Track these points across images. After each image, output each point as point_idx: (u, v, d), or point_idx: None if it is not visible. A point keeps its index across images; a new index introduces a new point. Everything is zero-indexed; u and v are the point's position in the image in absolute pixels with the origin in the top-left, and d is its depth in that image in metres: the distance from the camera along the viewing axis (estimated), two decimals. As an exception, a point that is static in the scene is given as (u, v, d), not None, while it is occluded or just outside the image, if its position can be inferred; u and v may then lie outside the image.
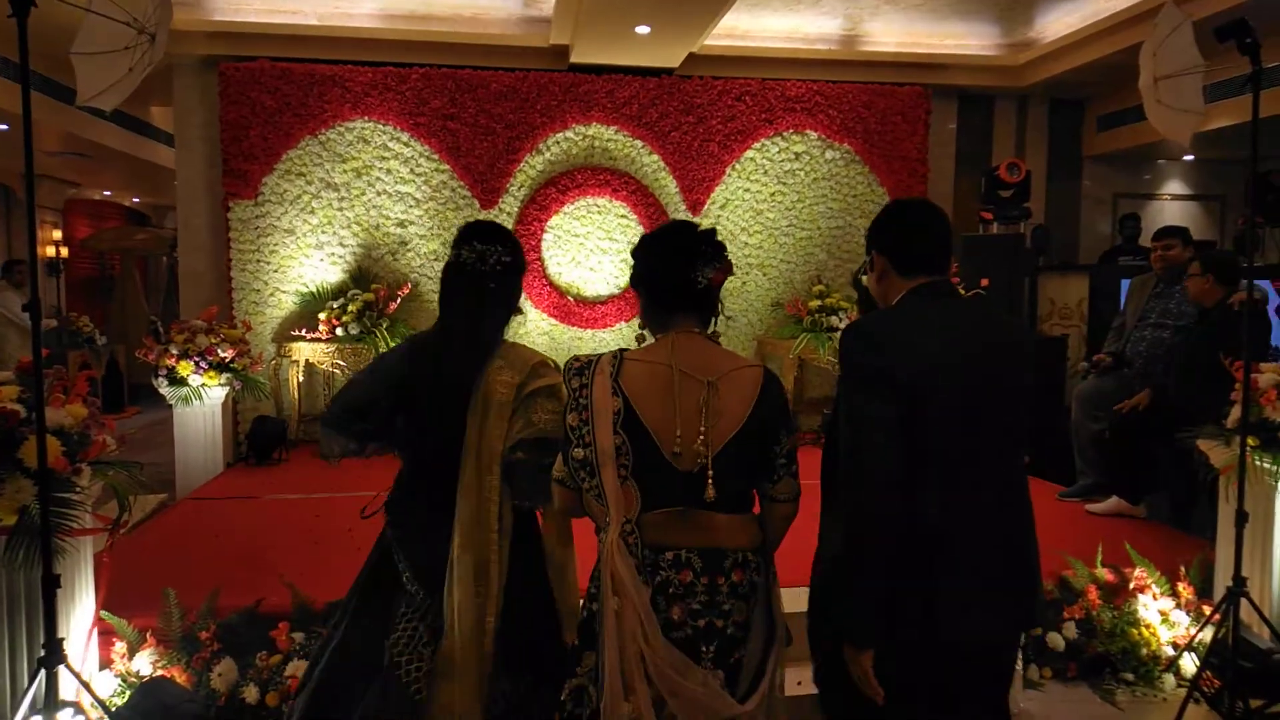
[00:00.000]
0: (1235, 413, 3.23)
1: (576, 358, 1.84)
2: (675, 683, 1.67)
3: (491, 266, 2.17)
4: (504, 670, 2.09)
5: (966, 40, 7.36)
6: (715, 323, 1.87)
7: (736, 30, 6.87)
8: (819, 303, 6.88)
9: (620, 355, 1.81)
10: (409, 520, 2.18)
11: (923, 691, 1.74)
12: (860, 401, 1.70)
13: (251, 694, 2.98)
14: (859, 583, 1.67)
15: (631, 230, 7.06)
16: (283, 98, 6.55)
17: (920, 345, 1.71)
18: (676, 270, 1.81)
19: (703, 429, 1.72)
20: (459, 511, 2.07)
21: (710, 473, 1.72)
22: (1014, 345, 1.83)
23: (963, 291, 5.88)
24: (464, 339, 2.16)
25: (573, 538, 2.15)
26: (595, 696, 1.74)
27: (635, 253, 1.91)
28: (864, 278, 2.12)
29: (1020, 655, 3.24)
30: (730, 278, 1.88)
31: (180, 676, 2.98)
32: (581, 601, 1.90)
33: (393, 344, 6.36)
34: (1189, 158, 8.58)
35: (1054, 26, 7.07)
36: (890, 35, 7.25)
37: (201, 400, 5.51)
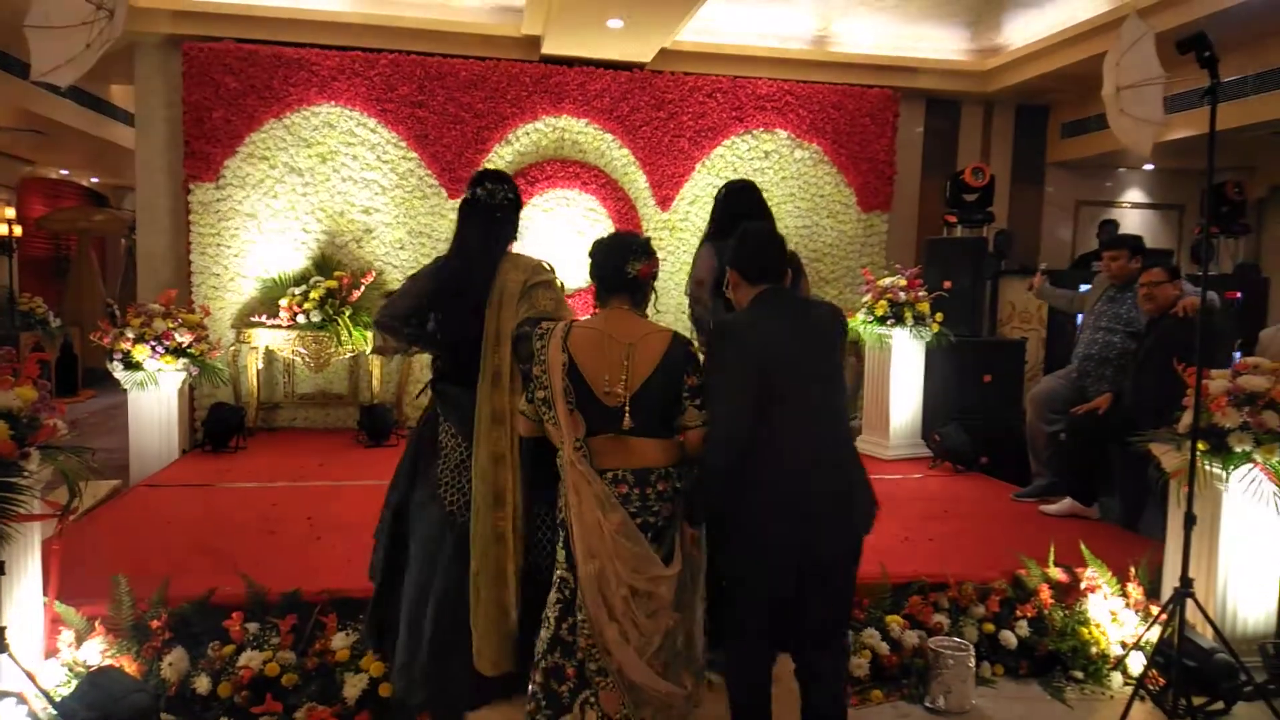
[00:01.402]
0: (1186, 418, 3.30)
1: (540, 325, 2.48)
2: (622, 546, 2.30)
3: (499, 202, 2.83)
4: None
5: (936, 45, 7.44)
6: (647, 304, 2.53)
7: (709, 27, 6.88)
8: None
9: (570, 324, 2.46)
10: (450, 394, 2.81)
11: (770, 575, 2.45)
12: (721, 373, 2.43)
13: (203, 684, 2.94)
14: (706, 491, 2.44)
15: (600, 223, 7.04)
16: (247, 79, 6.44)
17: (763, 332, 2.44)
18: (613, 263, 2.48)
19: (623, 376, 2.38)
20: (480, 379, 2.68)
21: (627, 408, 2.37)
22: (825, 323, 2.58)
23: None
24: (479, 256, 2.79)
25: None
26: (572, 580, 2.37)
27: (590, 251, 2.55)
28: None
29: (973, 652, 3.29)
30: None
31: (129, 666, 2.92)
32: (559, 515, 2.47)
33: (355, 332, 6.31)
34: (1149, 167, 8.74)
35: (1021, 34, 7.17)
36: (861, 37, 7.30)
37: (157, 385, 5.41)
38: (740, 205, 3.49)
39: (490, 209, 2.82)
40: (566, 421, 2.36)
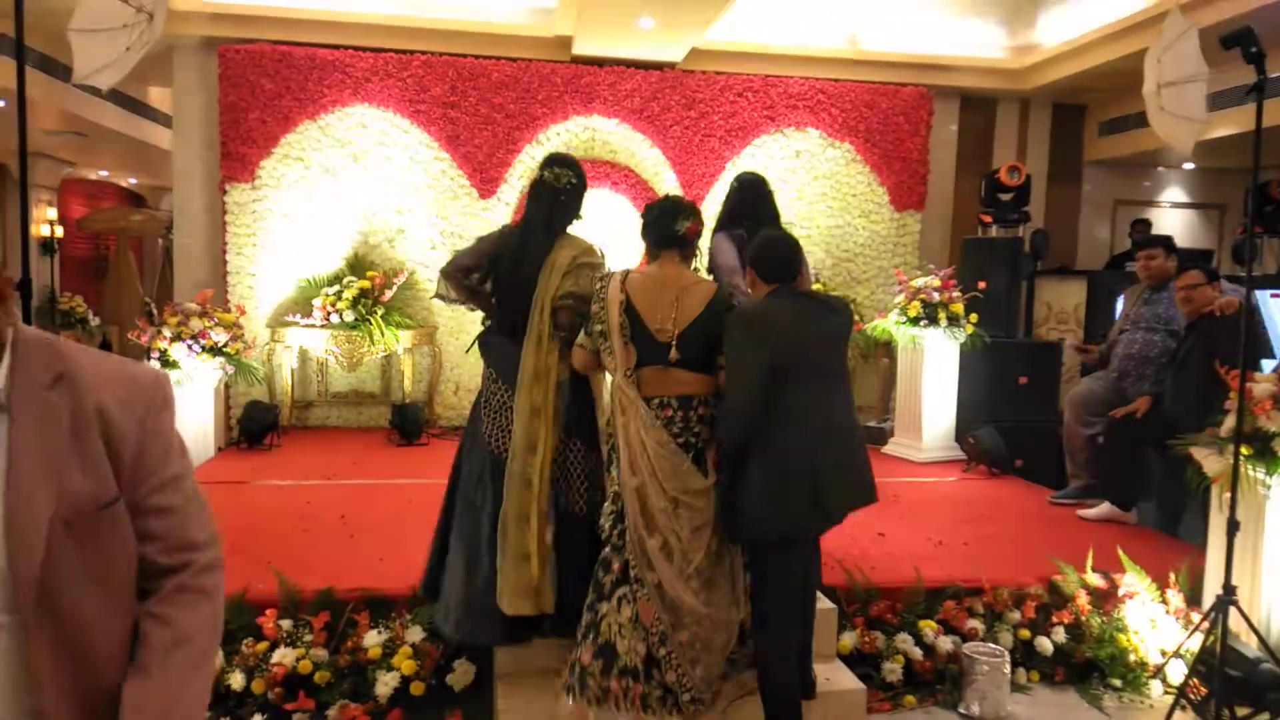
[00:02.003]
0: (1229, 421, 3.23)
1: (600, 272, 2.94)
2: (663, 459, 2.63)
3: (564, 185, 3.11)
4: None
5: (970, 42, 7.35)
6: (693, 259, 2.88)
7: (740, 26, 6.85)
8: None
9: (627, 270, 2.83)
10: (494, 345, 3.14)
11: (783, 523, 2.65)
12: (739, 355, 2.66)
13: (237, 680, 2.97)
14: (725, 449, 2.70)
15: (630, 224, 7.03)
16: (282, 81, 6.51)
17: (776, 323, 2.68)
18: (665, 222, 2.82)
19: (673, 315, 2.71)
20: (526, 339, 2.99)
21: (675, 343, 2.70)
22: (835, 318, 2.84)
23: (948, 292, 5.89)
24: (540, 230, 3.09)
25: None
26: (618, 491, 2.70)
27: (643, 213, 2.91)
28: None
29: (1008, 659, 3.24)
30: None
31: (166, 661, 2.96)
32: (606, 433, 2.86)
33: (387, 332, 6.36)
34: (1189, 166, 8.58)
35: (1058, 31, 7.06)
36: (894, 35, 7.23)
37: (194, 383, 5.48)
38: (750, 197, 3.72)
39: (555, 191, 3.11)
40: (621, 352, 2.73)
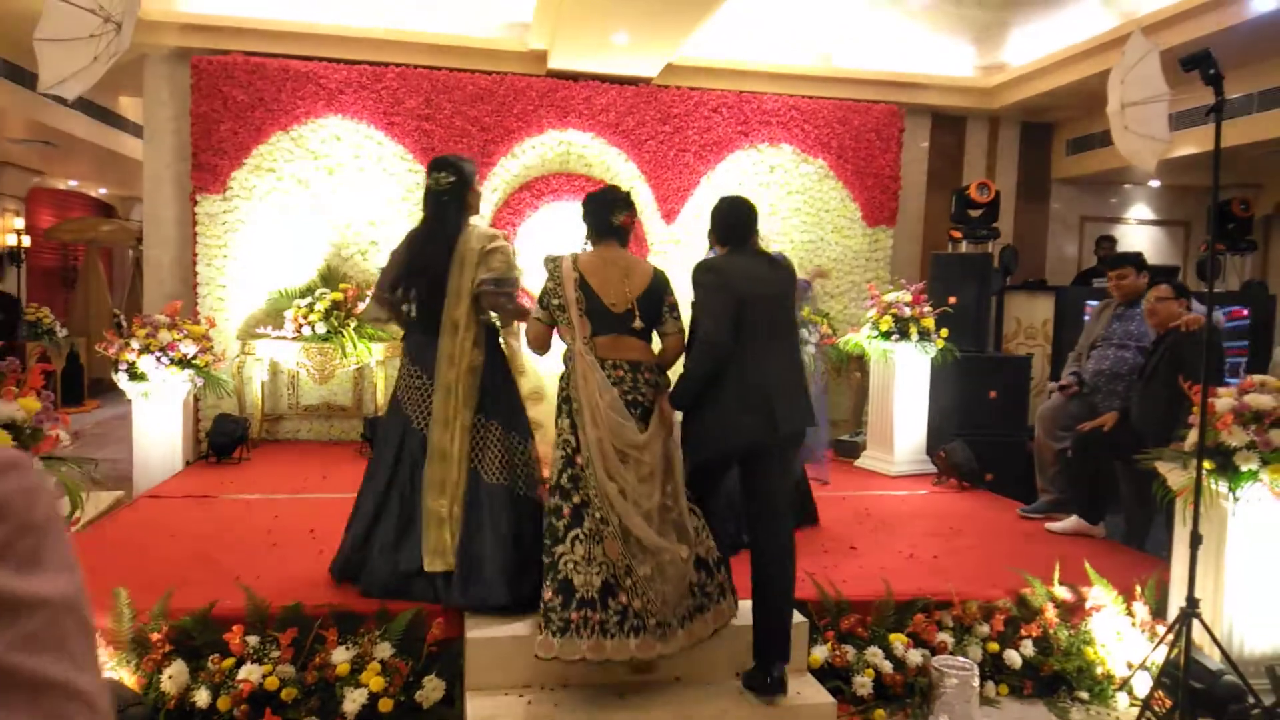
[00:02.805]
0: (1192, 436, 3.29)
1: (548, 257, 3.20)
2: (615, 421, 2.98)
3: (444, 186, 3.43)
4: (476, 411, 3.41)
5: (941, 61, 7.45)
6: (627, 245, 3.28)
7: (714, 43, 6.90)
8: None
9: (575, 254, 3.20)
10: (414, 339, 3.48)
11: (735, 451, 3.13)
12: (708, 296, 3.06)
13: (203, 697, 2.93)
14: (688, 385, 3.09)
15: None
16: (255, 92, 6.48)
17: (736, 269, 3.12)
18: (602, 215, 3.21)
19: (626, 289, 3.12)
20: (441, 330, 3.36)
21: (636, 312, 3.09)
22: (782, 272, 3.30)
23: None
24: (439, 231, 3.44)
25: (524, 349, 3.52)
26: (570, 444, 3.03)
27: (583, 203, 3.28)
28: None
29: (977, 672, 3.26)
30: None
31: (130, 679, 2.92)
32: (557, 391, 3.15)
33: (360, 344, 6.33)
34: (1155, 183, 8.74)
35: (1026, 51, 7.18)
36: (866, 53, 7.32)
37: (162, 396, 5.41)
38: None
39: (438, 194, 3.44)
40: (578, 323, 3.07)
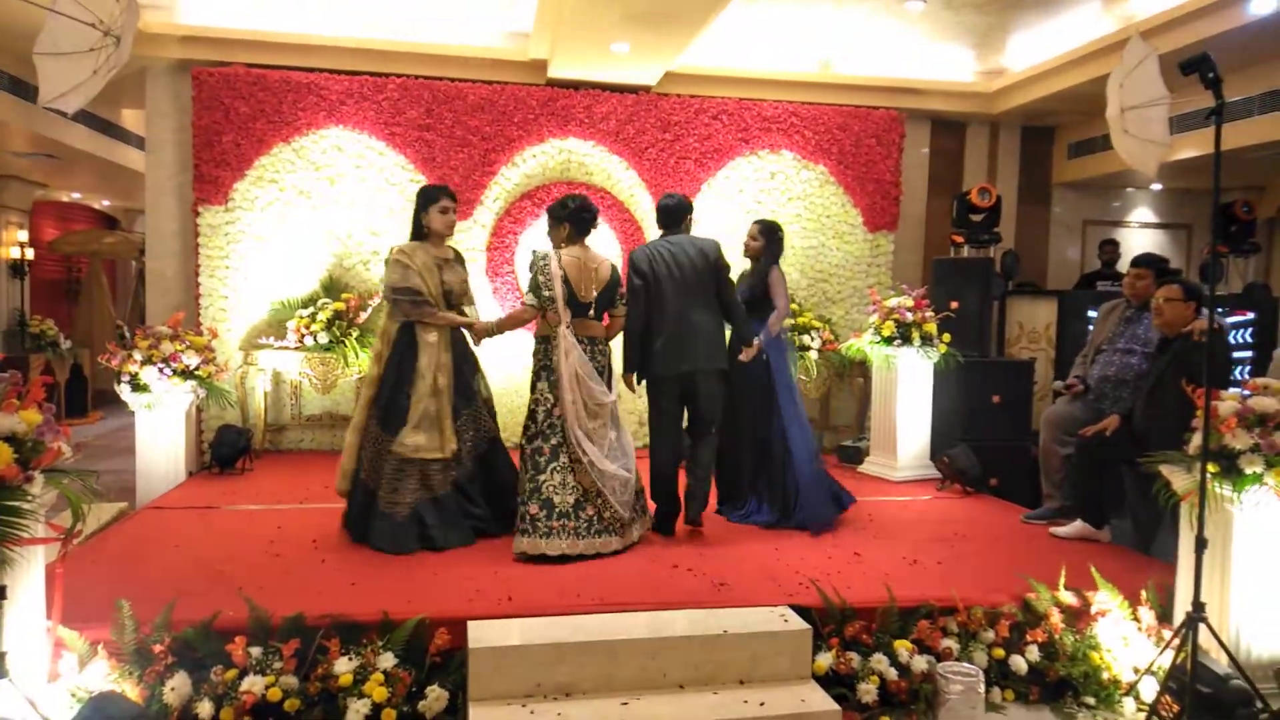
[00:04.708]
0: (1196, 440, 3.28)
1: (536, 252, 4.26)
2: (589, 386, 4.10)
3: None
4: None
5: (941, 67, 7.47)
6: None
7: (714, 50, 6.92)
8: (791, 321, 6.91)
9: (560, 252, 4.20)
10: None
11: (675, 392, 4.45)
12: (632, 282, 4.37)
13: (205, 709, 2.92)
14: (626, 351, 4.41)
15: (608, 245, 7.06)
16: (257, 104, 6.50)
17: (652, 255, 4.40)
18: (584, 220, 4.26)
19: (594, 285, 4.21)
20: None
21: (594, 303, 4.21)
22: (704, 251, 4.43)
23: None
24: None
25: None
26: (549, 400, 4.11)
27: (561, 205, 4.29)
28: None
29: (983, 678, 3.25)
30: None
31: (132, 691, 2.91)
32: (534, 360, 4.23)
33: (363, 354, 6.33)
34: (1156, 187, 8.73)
35: (1026, 56, 7.19)
36: (866, 59, 7.33)
37: (165, 407, 5.42)
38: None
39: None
40: (563, 311, 4.10)
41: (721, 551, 4.24)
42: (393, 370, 4.32)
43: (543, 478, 4.03)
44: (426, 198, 4.44)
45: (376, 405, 4.32)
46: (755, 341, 4.60)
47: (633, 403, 6.05)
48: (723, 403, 4.54)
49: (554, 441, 4.05)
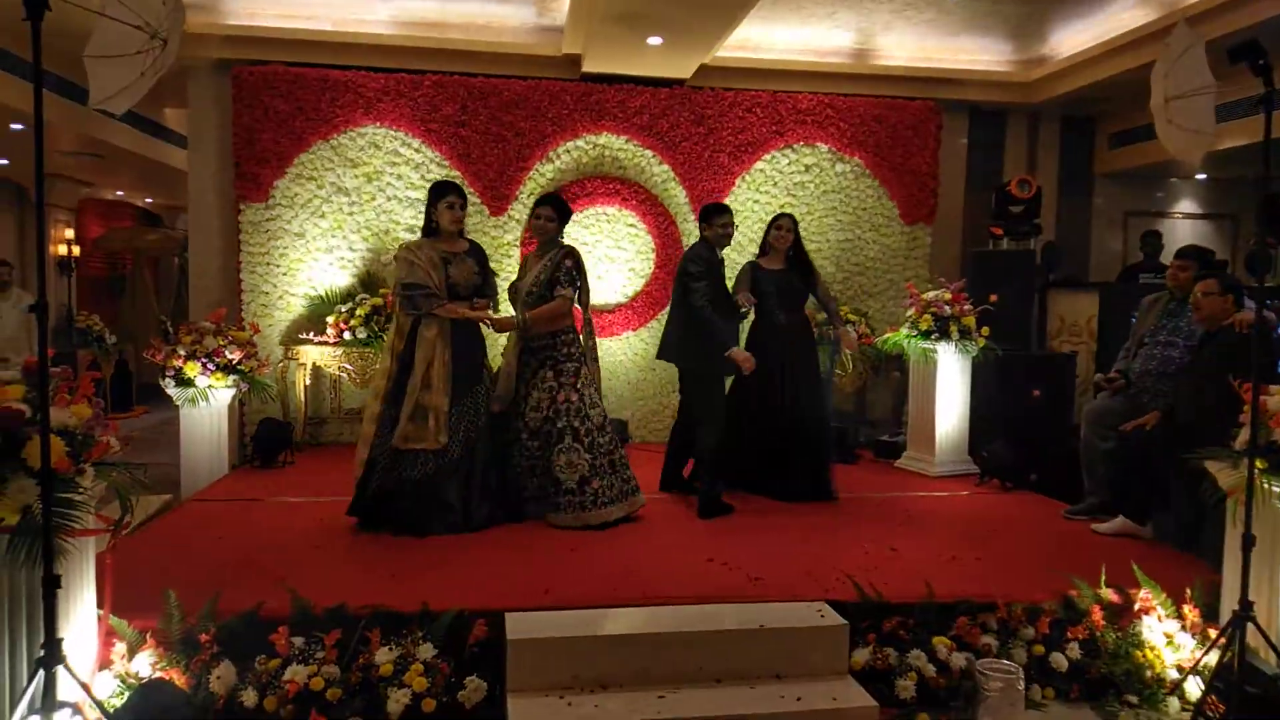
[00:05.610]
0: (1244, 435, 3.21)
1: (575, 251, 4.75)
2: (594, 367, 4.85)
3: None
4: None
5: (979, 55, 7.36)
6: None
7: (749, 42, 6.89)
8: (825, 314, 6.85)
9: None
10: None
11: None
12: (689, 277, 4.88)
13: (250, 698, 2.98)
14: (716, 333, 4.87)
15: (640, 240, 7.07)
16: (295, 102, 6.59)
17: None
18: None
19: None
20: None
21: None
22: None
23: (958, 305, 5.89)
24: None
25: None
26: (594, 382, 4.76)
27: (564, 207, 4.81)
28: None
29: (1022, 676, 3.22)
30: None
31: (179, 679, 2.97)
32: (570, 348, 4.67)
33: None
34: (1201, 176, 8.55)
35: (1067, 43, 7.07)
36: (902, 49, 7.25)
37: (208, 401, 5.52)
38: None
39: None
40: (586, 302, 4.78)
41: (756, 545, 4.24)
42: (405, 364, 4.43)
43: (550, 455, 4.52)
44: (435, 194, 4.51)
45: (388, 397, 4.43)
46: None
47: (633, 400, 6.04)
48: (697, 398, 5.03)
49: (560, 424, 4.55)
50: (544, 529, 4.48)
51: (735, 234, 7.12)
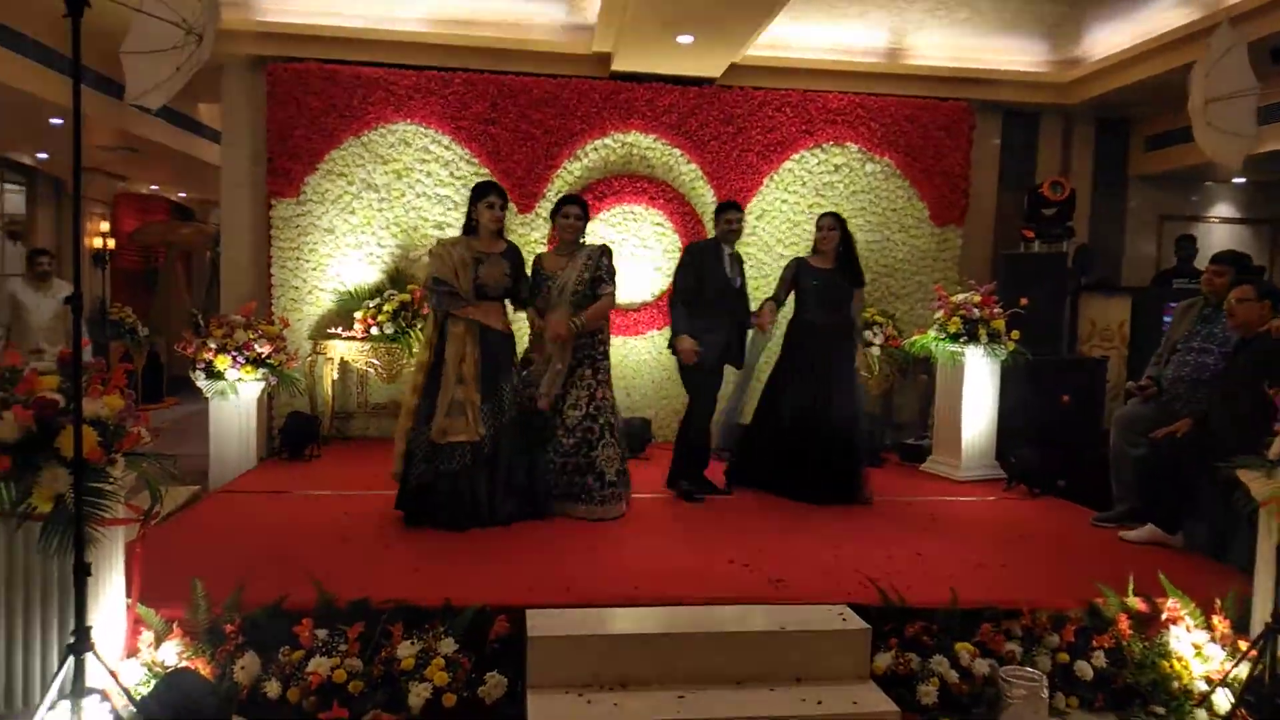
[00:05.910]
0: (1278, 444, 3.15)
1: (609, 249, 4.89)
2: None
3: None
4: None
5: (1013, 56, 7.27)
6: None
7: (779, 41, 6.84)
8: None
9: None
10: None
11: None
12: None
13: (273, 689, 3.01)
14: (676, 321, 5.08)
15: (667, 239, 7.06)
16: (328, 99, 6.64)
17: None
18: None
19: None
20: None
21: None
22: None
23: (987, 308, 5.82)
24: None
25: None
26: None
27: (584, 207, 4.83)
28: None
29: (1046, 683, 3.18)
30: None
31: (204, 668, 3.01)
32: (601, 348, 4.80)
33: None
34: (1239, 180, 8.39)
35: (1103, 44, 6.97)
36: (935, 49, 7.18)
37: (237, 394, 5.59)
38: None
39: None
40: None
41: (778, 547, 4.22)
42: (439, 356, 4.49)
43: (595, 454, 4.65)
44: (477, 193, 4.58)
45: (423, 390, 4.47)
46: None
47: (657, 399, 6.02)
48: (683, 381, 5.25)
49: (601, 420, 4.68)
50: (566, 526, 4.49)
51: (762, 233, 7.17)
